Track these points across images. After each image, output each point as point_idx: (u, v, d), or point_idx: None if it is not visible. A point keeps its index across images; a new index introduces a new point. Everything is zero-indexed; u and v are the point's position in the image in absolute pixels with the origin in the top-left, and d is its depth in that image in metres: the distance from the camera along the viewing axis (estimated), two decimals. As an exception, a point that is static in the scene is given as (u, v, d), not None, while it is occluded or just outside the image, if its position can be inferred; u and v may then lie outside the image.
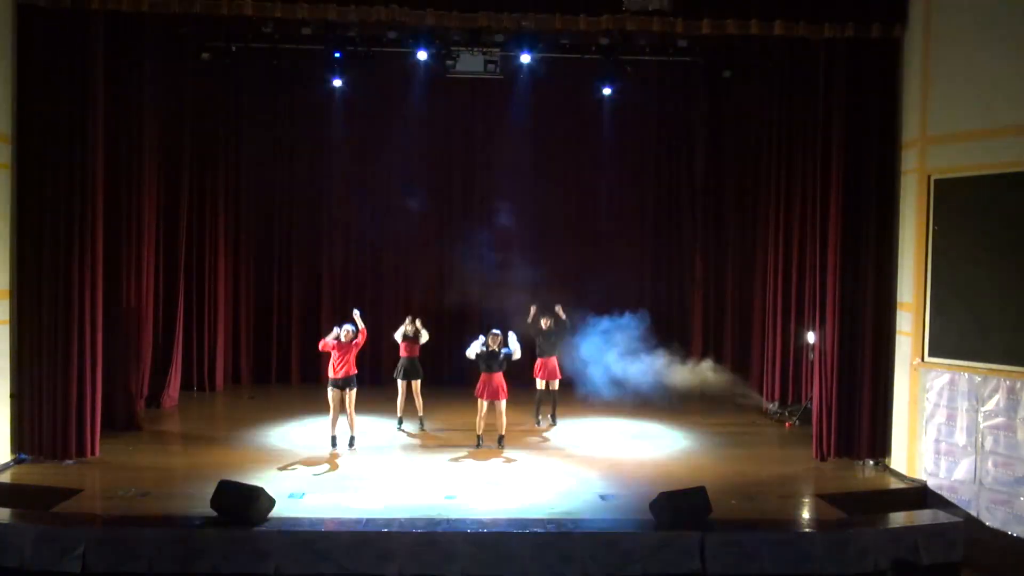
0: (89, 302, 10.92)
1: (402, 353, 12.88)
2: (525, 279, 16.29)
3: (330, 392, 11.65)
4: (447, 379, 15.09)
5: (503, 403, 11.87)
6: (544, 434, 12.91)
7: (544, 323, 13.25)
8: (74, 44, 10.69)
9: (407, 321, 12.89)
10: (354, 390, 11.69)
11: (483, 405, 11.88)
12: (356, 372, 11.75)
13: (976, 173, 10.39)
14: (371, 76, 15.02)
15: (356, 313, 11.94)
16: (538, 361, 13.30)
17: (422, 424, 12.94)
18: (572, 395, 14.19)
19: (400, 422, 12.93)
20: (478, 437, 11.93)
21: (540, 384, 13.29)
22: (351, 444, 11.76)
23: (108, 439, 11.54)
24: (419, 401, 12.91)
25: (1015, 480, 9.84)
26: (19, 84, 10.70)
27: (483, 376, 11.88)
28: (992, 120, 10.17)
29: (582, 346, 13.82)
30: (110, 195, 11.64)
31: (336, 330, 11.69)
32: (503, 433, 11.96)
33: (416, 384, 12.84)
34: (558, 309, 13.35)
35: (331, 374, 11.67)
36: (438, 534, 8.67)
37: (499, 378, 11.84)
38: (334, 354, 11.64)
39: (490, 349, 11.83)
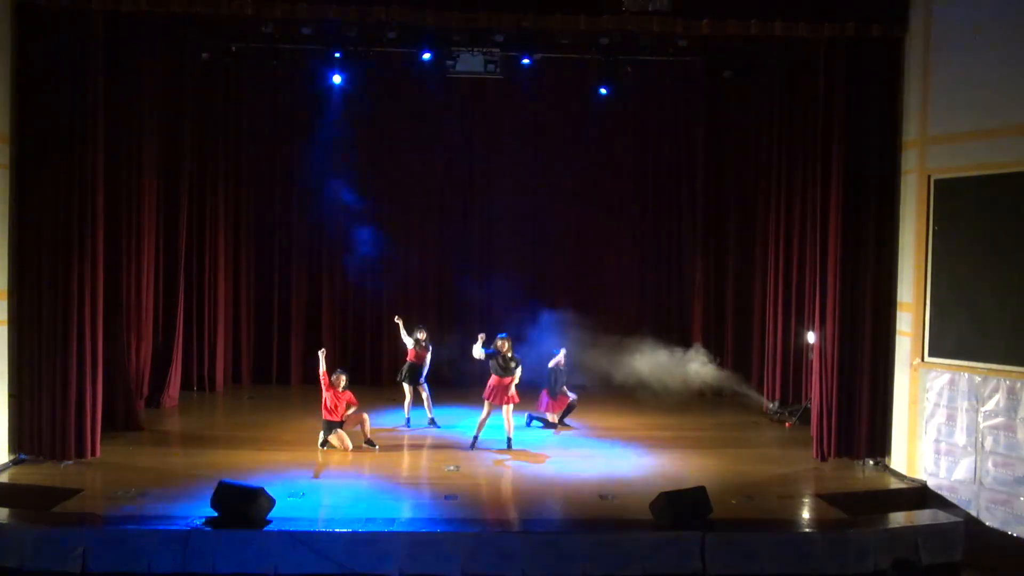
0: (89, 302, 10.90)
1: (409, 358, 13.01)
2: (524, 279, 16.34)
3: (336, 434, 11.67)
4: (447, 382, 15.08)
5: (508, 408, 11.88)
6: (544, 434, 12.91)
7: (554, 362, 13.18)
8: (74, 44, 10.66)
9: (418, 329, 12.99)
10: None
11: (488, 408, 11.89)
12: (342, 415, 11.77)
13: (976, 173, 10.38)
14: (371, 76, 15.01)
15: (321, 352, 12.06)
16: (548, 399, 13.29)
17: (434, 423, 13.05)
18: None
19: (408, 422, 13.01)
20: (475, 437, 11.91)
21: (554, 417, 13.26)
22: (372, 444, 11.79)
23: (108, 439, 11.53)
24: (428, 403, 13.06)
25: (1015, 480, 9.84)
26: (19, 84, 10.69)
27: (495, 379, 11.84)
28: (992, 120, 10.16)
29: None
30: (110, 195, 11.60)
31: (341, 374, 11.78)
32: (511, 435, 11.95)
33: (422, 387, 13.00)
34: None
35: (328, 416, 11.67)
36: (438, 534, 8.68)
37: (510, 383, 11.83)
38: (330, 396, 11.65)
39: (503, 353, 11.80)
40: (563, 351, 13.21)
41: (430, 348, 13.12)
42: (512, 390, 11.83)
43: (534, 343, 13.50)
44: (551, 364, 13.15)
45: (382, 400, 13.73)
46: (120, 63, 11.85)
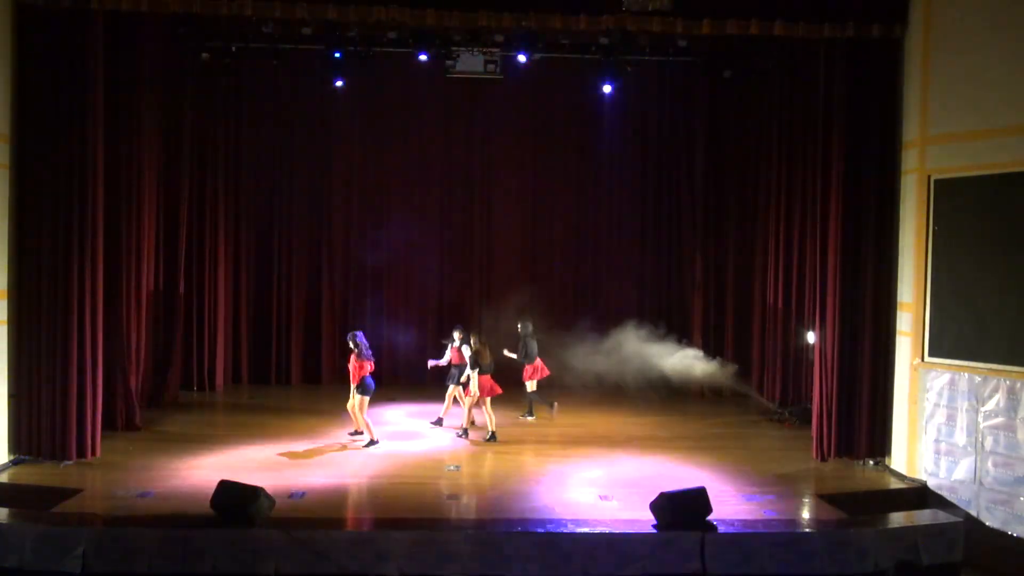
0: (89, 302, 10.90)
1: (454, 360, 13.13)
2: (524, 277, 16.34)
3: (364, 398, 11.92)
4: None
5: (464, 399, 12.44)
6: (545, 433, 12.92)
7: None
8: (74, 44, 10.67)
9: (457, 331, 13.14)
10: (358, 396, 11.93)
11: (485, 403, 12.45)
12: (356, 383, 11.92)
13: (976, 173, 10.39)
14: (371, 76, 15.02)
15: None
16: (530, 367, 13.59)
17: (439, 423, 13.15)
18: (573, 394, 14.22)
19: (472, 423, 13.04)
20: (491, 432, 12.38)
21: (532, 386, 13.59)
22: (368, 444, 11.89)
23: (108, 439, 11.54)
24: (448, 404, 13.23)
25: (1015, 480, 9.84)
26: (19, 84, 10.69)
27: None
28: (992, 120, 10.17)
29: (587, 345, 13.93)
30: (110, 195, 11.61)
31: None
32: (479, 425, 12.47)
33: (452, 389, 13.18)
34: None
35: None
36: (438, 534, 8.67)
37: (480, 378, 12.27)
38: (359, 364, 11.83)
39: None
40: (519, 325, 13.54)
41: (448, 348, 13.23)
42: (469, 383, 12.29)
43: (531, 339, 13.58)
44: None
45: (381, 400, 13.71)
46: (120, 63, 11.86)
